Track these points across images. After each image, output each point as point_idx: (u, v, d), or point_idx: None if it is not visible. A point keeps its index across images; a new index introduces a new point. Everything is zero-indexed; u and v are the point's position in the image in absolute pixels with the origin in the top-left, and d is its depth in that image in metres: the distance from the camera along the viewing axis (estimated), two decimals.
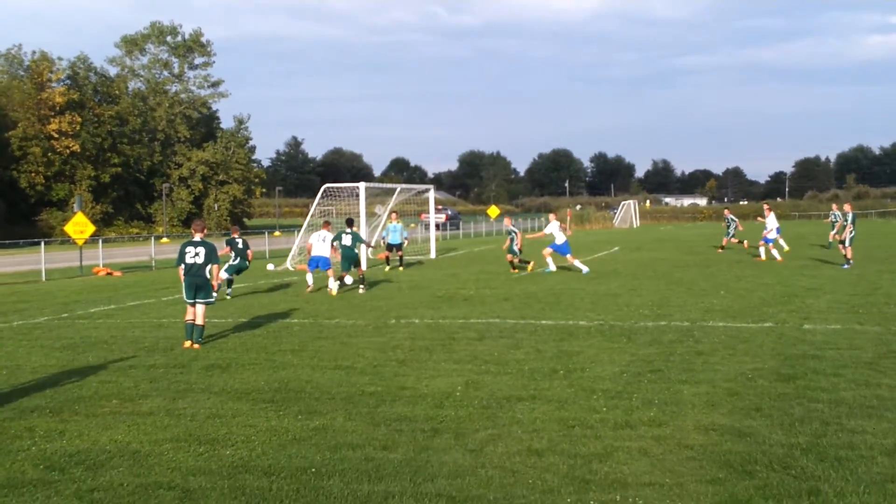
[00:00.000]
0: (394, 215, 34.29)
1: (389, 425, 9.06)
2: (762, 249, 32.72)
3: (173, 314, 19.34)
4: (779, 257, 32.06)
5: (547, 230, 30.13)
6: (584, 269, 27.99)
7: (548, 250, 29.20)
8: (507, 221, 33.06)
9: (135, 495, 7.05)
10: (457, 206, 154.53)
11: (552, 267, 29.01)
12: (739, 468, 7.40)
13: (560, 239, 28.84)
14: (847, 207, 30.49)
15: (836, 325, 15.26)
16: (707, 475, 7.24)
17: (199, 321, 14.83)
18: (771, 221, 33.50)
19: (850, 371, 11.22)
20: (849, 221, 28.96)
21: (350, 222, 24.63)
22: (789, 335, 14.30)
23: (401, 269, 32.35)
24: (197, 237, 15.37)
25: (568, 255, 28.64)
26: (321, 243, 23.85)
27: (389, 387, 10.95)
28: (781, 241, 34.88)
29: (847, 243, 28.43)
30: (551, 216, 31.25)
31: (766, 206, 36.29)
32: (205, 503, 6.84)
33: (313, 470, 7.59)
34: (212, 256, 15.13)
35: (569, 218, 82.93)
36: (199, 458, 8.08)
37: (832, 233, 38.89)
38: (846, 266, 27.81)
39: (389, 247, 33.36)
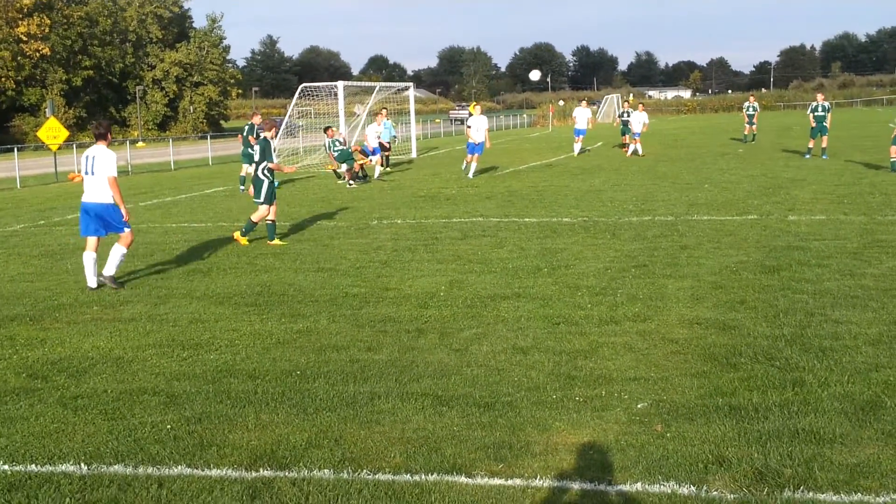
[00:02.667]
0: (384, 112, 33.46)
1: (374, 326, 9.02)
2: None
3: (152, 219, 19.15)
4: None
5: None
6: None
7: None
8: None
9: (119, 401, 7.00)
10: (437, 104, 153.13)
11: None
12: (724, 361, 7.40)
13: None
14: (820, 98, 30.64)
15: (820, 216, 15.25)
16: (692, 369, 7.25)
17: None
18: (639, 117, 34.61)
19: (834, 262, 11.23)
20: (828, 112, 29.09)
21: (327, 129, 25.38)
22: (774, 227, 14.28)
23: (388, 169, 32.00)
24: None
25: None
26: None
27: (373, 288, 10.88)
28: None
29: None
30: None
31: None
32: (189, 407, 6.80)
33: (298, 372, 7.56)
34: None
35: (551, 114, 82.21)
36: (182, 363, 8.03)
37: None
38: (808, 156, 28.90)
39: (381, 146, 32.99)
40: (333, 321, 9.32)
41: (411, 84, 44.31)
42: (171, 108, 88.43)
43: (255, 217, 14.84)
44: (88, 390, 7.31)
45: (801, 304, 9.18)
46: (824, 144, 28.88)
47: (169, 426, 6.40)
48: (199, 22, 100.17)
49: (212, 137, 48.18)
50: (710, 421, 6.11)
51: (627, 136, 37.15)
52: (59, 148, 35.39)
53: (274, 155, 14.95)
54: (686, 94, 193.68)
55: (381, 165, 32.57)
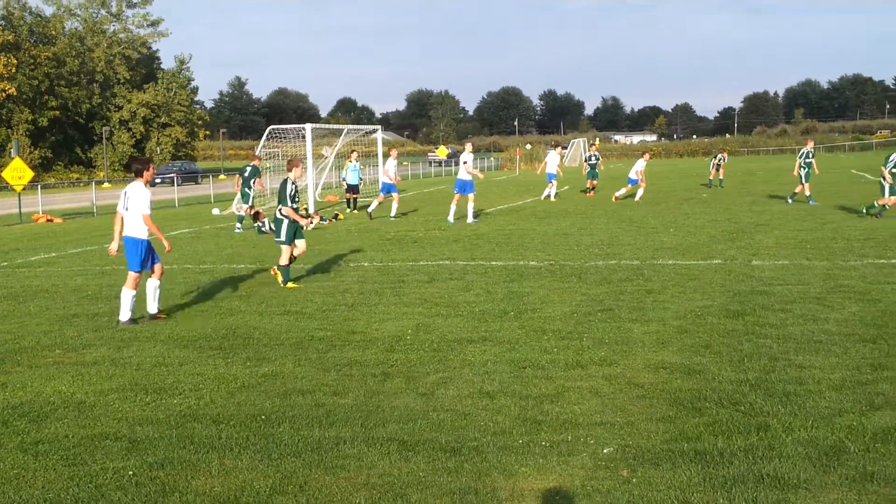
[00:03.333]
0: (354, 154, 33.82)
1: (340, 370, 8.98)
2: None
3: (116, 261, 18.95)
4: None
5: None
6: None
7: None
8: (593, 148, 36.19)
9: (80, 447, 6.90)
10: (405, 147, 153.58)
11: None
12: (689, 405, 7.43)
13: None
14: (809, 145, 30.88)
15: (784, 261, 15.42)
16: (657, 413, 7.27)
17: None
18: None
19: (798, 306, 11.34)
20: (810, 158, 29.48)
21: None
22: (738, 271, 14.41)
23: (355, 211, 32.09)
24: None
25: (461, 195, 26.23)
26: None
27: (339, 331, 10.84)
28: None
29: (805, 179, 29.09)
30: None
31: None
32: (152, 453, 6.71)
33: (263, 417, 7.49)
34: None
35: (518, 157, 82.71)
36: (145, 407, 7.93)
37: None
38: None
39: (349, 188, 33.26)
40: (299, 365, 9.26)
41: (379, 126, 44.45)
42: (137, 149, 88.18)
43: (282, 261, 14.61)
44: (49, 435, 7.20)
45: (765, 348, 9.25)
46: (808, 192, 29.11)
47: (131, 472, 6.31)
48: (168, 63, 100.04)
49: (178, 178, 47.96)
50: (675, 466, 6.12)
51: (595, 180, 37.55)
52: (24, 189, 35.08)
53: (289, 198, 14.56)
54: (651, 138, 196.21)
55: (349, 208, 32.76)
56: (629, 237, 20.08)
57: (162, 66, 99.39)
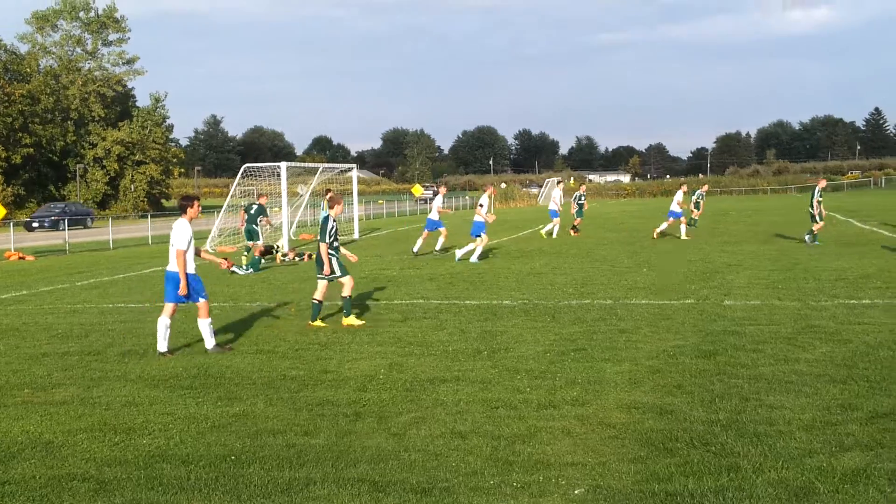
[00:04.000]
0: (329, 194, 33.72)
1: (311, 410, 8.93)
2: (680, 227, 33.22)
3: (88, 299, 18.85)
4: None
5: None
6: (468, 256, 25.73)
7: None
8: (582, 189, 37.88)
9: (47, 488, 6.82)
10: (381, 185, 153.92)
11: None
12: (661, 446, 7.44)
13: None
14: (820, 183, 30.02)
15: (755, 301, 15.53)
16: (629, 454, 7.27)
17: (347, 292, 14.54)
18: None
19: (769, 346, 11.41)
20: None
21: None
22: (710, 311, 14.50)
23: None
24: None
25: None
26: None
27: (311, 371, 10.79)
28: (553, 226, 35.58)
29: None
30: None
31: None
32: (120, 494, 6.64)
33: (233, 457, 7.43)
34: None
35: (493, 196, 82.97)
36: (114, 447, 7.85)
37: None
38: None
39: None
40: (270, 404, 9.20)
41: (355, 165, 44.59)
42: (111, 187, 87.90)
43: (345, 293, 14.39)
44: (16, 476, 7.11)
45: (736, 388, 9.29)
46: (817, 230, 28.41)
47: None
48: (143, 101, 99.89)
49: (152, 217, 47.79)
50: None
51: (581, 218, 37.56)
52: None
53: (329, 233, 14.28)
54: (625, 178, 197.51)
55: None
56: (603, 276, 20.16)
57: (137, 103, 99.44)
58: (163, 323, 12.12)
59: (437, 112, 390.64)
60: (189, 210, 12.32)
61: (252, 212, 26.20)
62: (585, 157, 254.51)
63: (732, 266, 21.70)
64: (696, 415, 8.34)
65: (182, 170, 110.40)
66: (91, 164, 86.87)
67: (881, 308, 14.33)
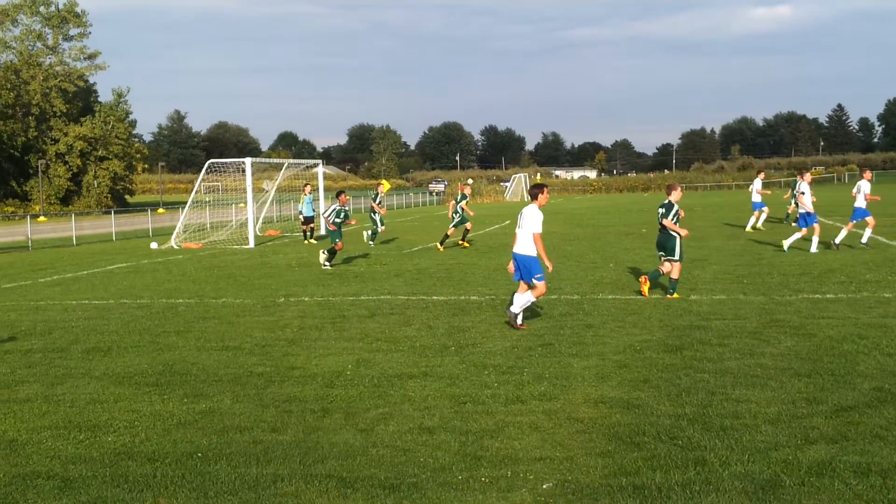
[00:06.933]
0: (307, 188, 35.07)
1: (278, 406, 8.87)
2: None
3: (51, 296, 18.62)
4: None
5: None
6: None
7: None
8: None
9: (11, 486, 6.73)
10: (347, 181, 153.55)
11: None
12: (628, 440, 7.47)
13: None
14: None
15: (721, 296, 15.64)
16: (596, 448, 7.30)
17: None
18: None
19: (734, 341, 11.50)
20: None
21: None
22: (676, 306, 14.58)
23: (313, 241, 32.65)
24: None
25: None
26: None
27: (278, 367, 10.73)
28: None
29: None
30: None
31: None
32: (85, 492, 6.56)
33: (199, 455, 7.37)
34: None
35: (460, 192, 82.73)
36: (79, 445, 7.76)
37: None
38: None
39: (305, 220, 34.21)
40: (237, 401, 9.14)
41: (321, 161, 44.37)
42: (74, 183, 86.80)
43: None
44: None
45: (702, 383, 9.35)
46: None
47: None
48: (105, 96, 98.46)
49: (116, 213, 47.30)
50: (614, 501, 6.14)
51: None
52: None
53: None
54: (592, 174, 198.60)
55: (306, 240, 33.16)
56: (569, 272, 20.22)
57: (99, 99, 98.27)
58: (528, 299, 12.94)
59: (403, 108, 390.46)
60: (540, 196, 13.13)
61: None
62: (551, 154, 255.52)
63: (698, 261, 21.83)
64: (662, 409, 8.39)
65: (146, 165, 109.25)
66: (53, 159, 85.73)
67: (845, 302, 14.48)
